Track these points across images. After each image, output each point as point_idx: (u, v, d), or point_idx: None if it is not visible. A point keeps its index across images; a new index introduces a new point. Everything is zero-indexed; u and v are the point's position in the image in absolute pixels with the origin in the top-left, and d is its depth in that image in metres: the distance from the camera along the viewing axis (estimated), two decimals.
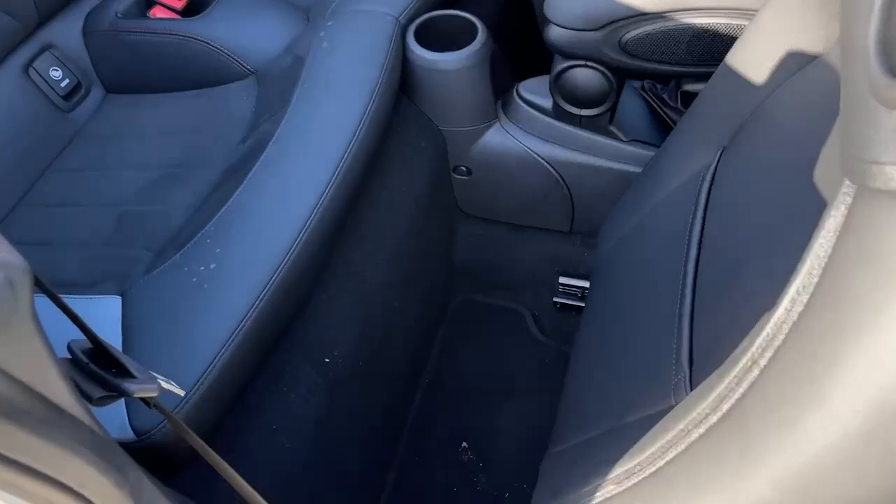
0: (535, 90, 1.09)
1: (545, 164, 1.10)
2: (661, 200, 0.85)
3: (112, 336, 0.77)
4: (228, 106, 1.10)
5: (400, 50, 1.05)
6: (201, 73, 1.15)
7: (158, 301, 0.79)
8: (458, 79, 1.06)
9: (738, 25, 0.83)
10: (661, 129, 1.07)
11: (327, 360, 0.87)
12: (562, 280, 1.18)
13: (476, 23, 1.07)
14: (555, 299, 1.17)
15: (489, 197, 1.19)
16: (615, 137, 1.05)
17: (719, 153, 0.77)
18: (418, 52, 1.05)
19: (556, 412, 1.13)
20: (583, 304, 1.17)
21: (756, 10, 0.81)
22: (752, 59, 0.72)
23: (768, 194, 0.63)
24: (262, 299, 0.78)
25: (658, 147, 1.05)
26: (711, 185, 0.75)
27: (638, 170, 1.05)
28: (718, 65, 0.89)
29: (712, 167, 0.77)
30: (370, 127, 0.95)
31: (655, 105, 1.07)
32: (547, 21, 0.94)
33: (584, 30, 0.91)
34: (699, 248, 0.71)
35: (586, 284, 1.17)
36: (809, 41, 0.65)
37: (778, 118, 0.68)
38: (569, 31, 0.92)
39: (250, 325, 0.76)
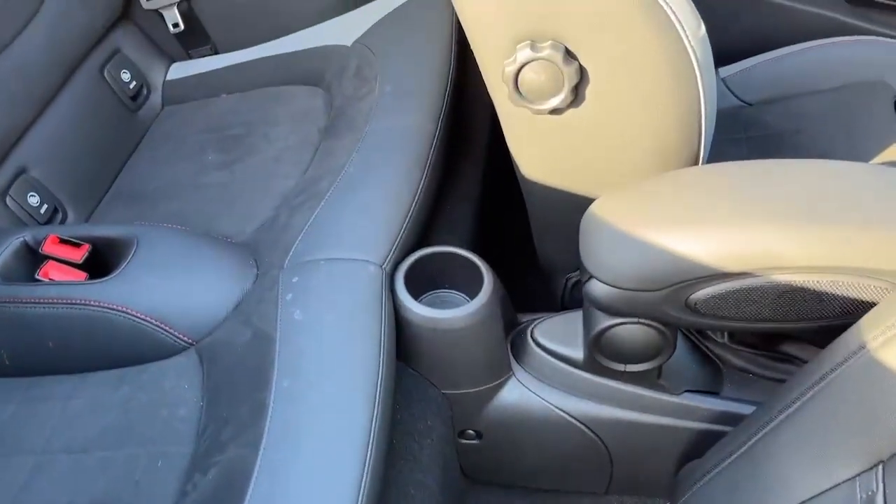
0: (554, 335, 0.90)
1: (576, 422, 0.90)
2: None
3: None
4: (164, 399, 0.82)
5: (392, 309, 0.83)
6: (120, 350, 0.87)
7: None
8: (464, 337, 0.85)
9: (841, 283, 0.68)
10: (711, 370, 0.90)
11: None
12: None
13: (477, 262, 0.88)
14: None
15: (504, 461, 0.97)
16: (664, 390, 0.86)
17: (880, 469, 0.60)
18: (414, 308, 0.83)
19: None
20: None
21: (871, 269, 0.67)
22: None
23: None
24: None
25: (712, 394, 0.88)
26: None
27: (691, 424, 0.87)
28: (809, 321, 0.74)
29: (880, 492, 0.59)
30: (380, 436, 0.71)
31: (697, 342, 0.91)
32: (587, 274, 0.76)
33: (639, 290, 0.73)
34: None
35: None
36: None
37: None
38: (619, 290, 0.74)
39: None
